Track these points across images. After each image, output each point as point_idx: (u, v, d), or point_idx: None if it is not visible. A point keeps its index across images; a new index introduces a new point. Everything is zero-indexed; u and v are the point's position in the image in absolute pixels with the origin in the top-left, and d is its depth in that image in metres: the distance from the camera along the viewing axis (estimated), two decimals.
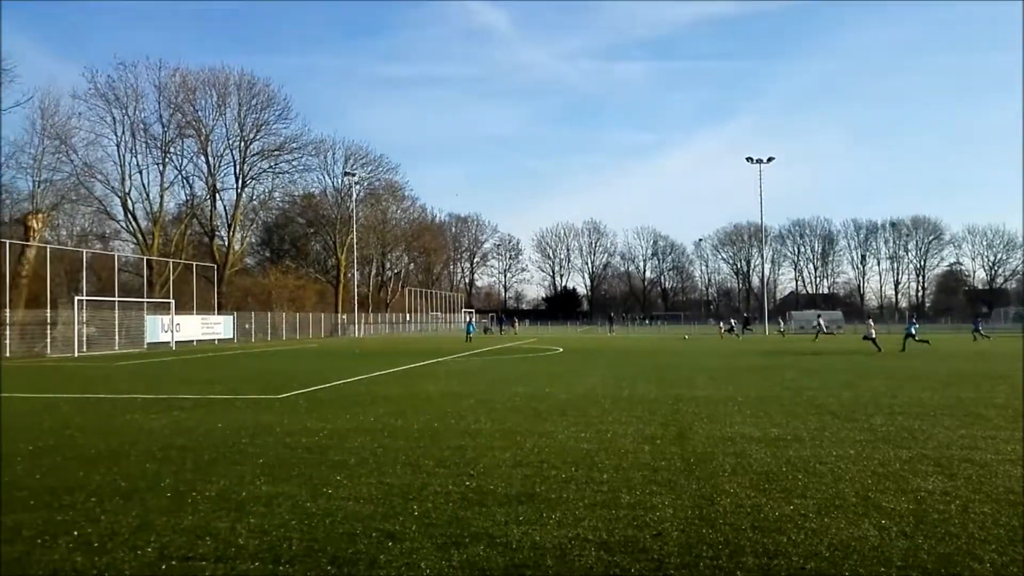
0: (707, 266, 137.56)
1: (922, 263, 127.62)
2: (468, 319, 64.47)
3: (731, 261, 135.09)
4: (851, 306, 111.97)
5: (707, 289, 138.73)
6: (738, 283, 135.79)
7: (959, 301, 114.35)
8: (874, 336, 32.42)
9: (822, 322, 38.13)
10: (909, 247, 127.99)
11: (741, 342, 43.59)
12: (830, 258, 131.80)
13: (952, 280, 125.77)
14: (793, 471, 7.51)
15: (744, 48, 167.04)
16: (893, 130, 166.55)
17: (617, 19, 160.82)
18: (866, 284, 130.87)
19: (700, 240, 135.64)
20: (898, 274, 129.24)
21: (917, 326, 35.87)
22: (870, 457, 8.23)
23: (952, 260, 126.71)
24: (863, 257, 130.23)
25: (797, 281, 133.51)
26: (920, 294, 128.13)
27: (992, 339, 42.27)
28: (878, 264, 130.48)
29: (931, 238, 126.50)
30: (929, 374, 19.12)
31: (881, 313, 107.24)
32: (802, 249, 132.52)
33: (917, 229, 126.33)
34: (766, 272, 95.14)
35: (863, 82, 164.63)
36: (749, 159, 66.24)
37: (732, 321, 60.03)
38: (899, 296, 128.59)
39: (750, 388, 15.78)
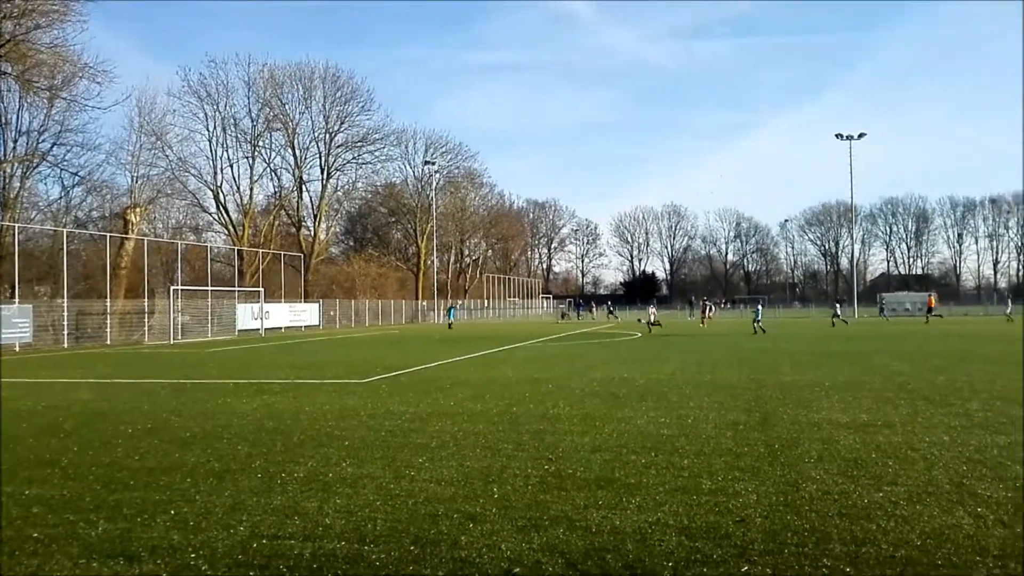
0: (793, 248, 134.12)
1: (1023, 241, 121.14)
2: (449, 305, 62.83)
3: (818, 242, 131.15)
4: (947, 287, 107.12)
5: (792, 272, 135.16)
6: (826, 265, 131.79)
7: None
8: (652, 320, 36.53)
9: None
10: (1010, 224, 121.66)
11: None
12: (924, 237, 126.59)
13: None
14: (883, 457, 7.28)
15: (834, 20, 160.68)
16: (994, 103, 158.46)
17: None
18: (963, 264, 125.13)
19: (786, 221, 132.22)
20: (997, 253, 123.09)
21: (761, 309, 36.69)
22: (965, 443, 7.91)
23: None
24: (960, 236, 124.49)
25: (889, 262, 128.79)
26: (1021, 274, 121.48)
27: None
28: (976, 243, 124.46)
29: None
30: None
31: (978, 294, 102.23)
32: (895, 228, 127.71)
33: (1018, 205, 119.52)
34: (856, 253, 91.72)
35: (962, 53, 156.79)
36: (839, 136, 64.08)
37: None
38: (998, 276, 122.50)
39: (838, 373, 15.33)
